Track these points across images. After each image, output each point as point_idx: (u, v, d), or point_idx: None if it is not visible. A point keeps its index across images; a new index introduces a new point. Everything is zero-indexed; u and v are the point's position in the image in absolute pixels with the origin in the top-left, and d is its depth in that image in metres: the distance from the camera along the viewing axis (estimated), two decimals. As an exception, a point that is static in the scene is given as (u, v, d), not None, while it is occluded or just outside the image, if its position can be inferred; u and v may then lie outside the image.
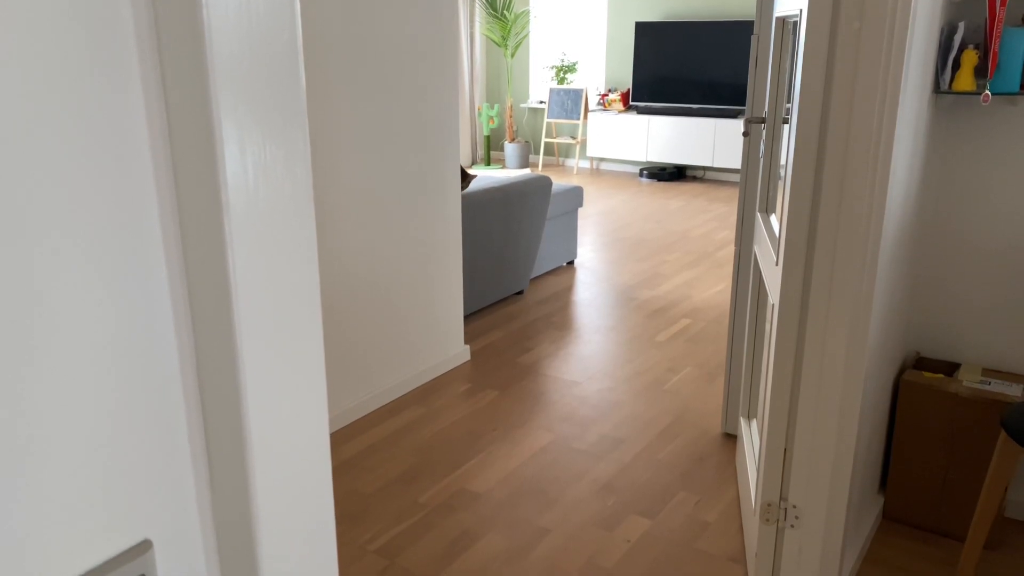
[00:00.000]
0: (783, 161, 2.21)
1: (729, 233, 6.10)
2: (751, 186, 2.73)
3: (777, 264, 2.01)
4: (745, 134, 2.65)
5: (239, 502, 0.42)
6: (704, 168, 8.50)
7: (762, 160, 2.51)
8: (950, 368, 2.47)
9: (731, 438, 3.00)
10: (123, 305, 0.40)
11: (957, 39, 2.19)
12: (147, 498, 0.40)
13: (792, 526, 2.05)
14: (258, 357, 0.42)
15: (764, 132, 2.49)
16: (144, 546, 0.38)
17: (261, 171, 0.41)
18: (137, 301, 0.41)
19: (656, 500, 2.62)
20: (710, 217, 6.66)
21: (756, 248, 2.55)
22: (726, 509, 2.57)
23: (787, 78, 2.32)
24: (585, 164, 9.28)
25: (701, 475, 2.76)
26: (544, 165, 9.43)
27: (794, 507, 2.03)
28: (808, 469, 2.00)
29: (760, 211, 2.53)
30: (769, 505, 2.06)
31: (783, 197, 1.97)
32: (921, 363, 2.52)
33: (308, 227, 0.44)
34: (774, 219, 2.39)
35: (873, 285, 1.83)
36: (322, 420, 0.45)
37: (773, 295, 2.07)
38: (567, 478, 2.75)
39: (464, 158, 9.38)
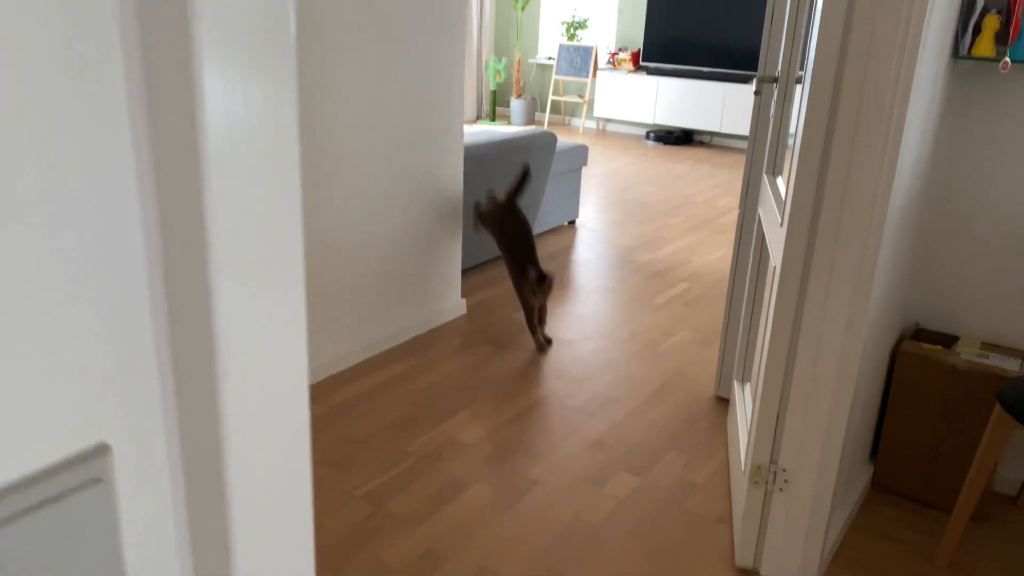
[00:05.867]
0: (793, 122, 2.16)
1: (733, 199, 6.05)
2: (759, 147, 2.68)
3: (781, 225, 1.98)
4: (757, 93, 2.60)
5: (206, 409, 0.39)
6: (711, 133, 8.41)
7: (772, 121, 2.46)
8: (949, 340, 2.45)
9: (723, 402, 3.00)
10: (90, 210, 0.37)
11: (979, 2, 2.12)
12: (106, 400, 0.38)
13: (781, 489, 2.05)
14: (232, 280, 0.39)
15: (776, 92, 2.43)
16: (100, 450, 0.36)
17: (243, 100, 0.38)
18: (105, 208, 0.38)
19: (646, 459, 2.62)
20: (715, 183, 6.60)
21: (760, 210, 2.51)
22: (715, 471, 2.57)
23: (802, 37, 2.26)
24: (591, 124, 9.18)
25: (692, 437, 2.76)
26: (550, 123, 9.32)
27: (784, 471, 2.03)
28: (800, 433, 1.99)
29: (767, 173, 2.49)
30: (759, 467, 2.06)
31: (791, 158, 1.93)
32: (920, 334, 2.50)
33: (291, 158, 0.41)
34: (781, 181, 2.35)
35: (878, 251, 1.80)
36: (300, 342, 0.42)
37: (776, 257, 2.04)
38: (558, 434, 2.75)
39: (469, 112, 9.27)
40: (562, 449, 2.66)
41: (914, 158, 2.08)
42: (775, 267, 2.00)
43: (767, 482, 2.06)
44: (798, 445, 2.00)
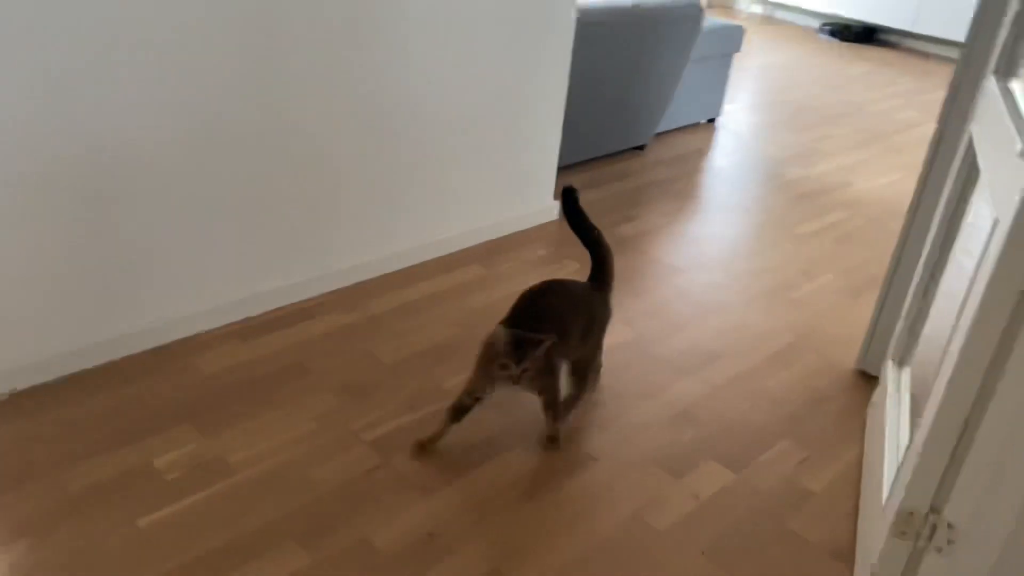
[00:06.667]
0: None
1: (916, 114, 4.97)
2: (985, 35, 1.83)
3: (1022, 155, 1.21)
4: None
5: None
6: (901, 33, 7.09)
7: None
8: None
9: (867, 379, 2.27)
10: None
11: None
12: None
13: (939, 550, 1.36)
14: None
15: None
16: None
17: None
18: None
19: (747, 447, 1.97)
20: (896, 92, 5.49)
21: (974, 127, 1.71)
22: (841, 478, 1.89)
23: None
24: (758, 9, 7.98)
25: (816, 423, 2.07)
26: (710, 5, 8.18)
27: (950, 527, 1.34)
28: (988, 478, 1.28)
29: (996, 73, 1.66)
30: (911, 514, 1.37)
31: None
32: None
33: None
34: (1020, 88, 1.53)
35: None
36: None
37: (1001, 200, 1.28)
38: (636, 392, 2.12)
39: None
40: (637, 415, 2.04)
41: None
42: (997, 219, 1.25)
43: (919, 536, 1.38)
44: (981, 495, 1.30)
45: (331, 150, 2.27)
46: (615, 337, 2.35)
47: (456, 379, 2.11)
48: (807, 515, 1.77)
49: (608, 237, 2.10)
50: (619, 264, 2.74)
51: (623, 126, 3.60)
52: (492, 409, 1.99)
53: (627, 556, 1.63)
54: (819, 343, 2.42)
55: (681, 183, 3.54)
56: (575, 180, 3.43)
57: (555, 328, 1.76)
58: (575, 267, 2.70)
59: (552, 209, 3.03)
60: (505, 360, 1.68)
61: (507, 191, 2.84)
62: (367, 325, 2.32)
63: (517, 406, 2.02)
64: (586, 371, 1.98)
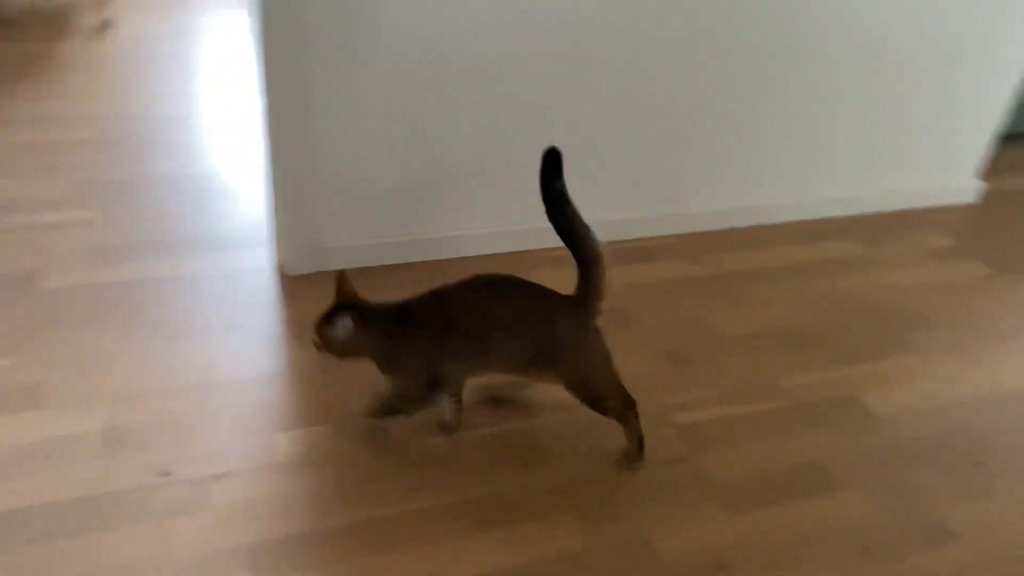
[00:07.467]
0: None
1: None
2: None
3: None
4: None
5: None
6: None
7: None
8: None
9: None
10: None
11: None
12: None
13: None
14: None
15: None
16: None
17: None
18: None
19: None
20: None
21: None
22: None
23: None
24: None
25: None
26: None
27: None
28: None
29: None
30: None
31: None
32: None
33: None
34: None
35: None
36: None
37: None
38: (1035, 463, 1.62)
39: None
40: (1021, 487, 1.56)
41: None
42: None
43: None
44: None
45: (702, 82, 1.97)
46: (1009, 374, 1.82)
47: (802, 377, 1.77)
48: None
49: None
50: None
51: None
52: (832, 431, 1.64)
53: None
54: None
55: None
56: (1016, 157, 2.72)
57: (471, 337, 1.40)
58: (985, 272, 2.14)
59: (972, 189, 2.43)
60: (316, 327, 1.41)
61: (915, 155, 2.31)
62: (709, 283, 2.05)
63: (866, 434, 1.65)
64: (595, 396, 1.48)
